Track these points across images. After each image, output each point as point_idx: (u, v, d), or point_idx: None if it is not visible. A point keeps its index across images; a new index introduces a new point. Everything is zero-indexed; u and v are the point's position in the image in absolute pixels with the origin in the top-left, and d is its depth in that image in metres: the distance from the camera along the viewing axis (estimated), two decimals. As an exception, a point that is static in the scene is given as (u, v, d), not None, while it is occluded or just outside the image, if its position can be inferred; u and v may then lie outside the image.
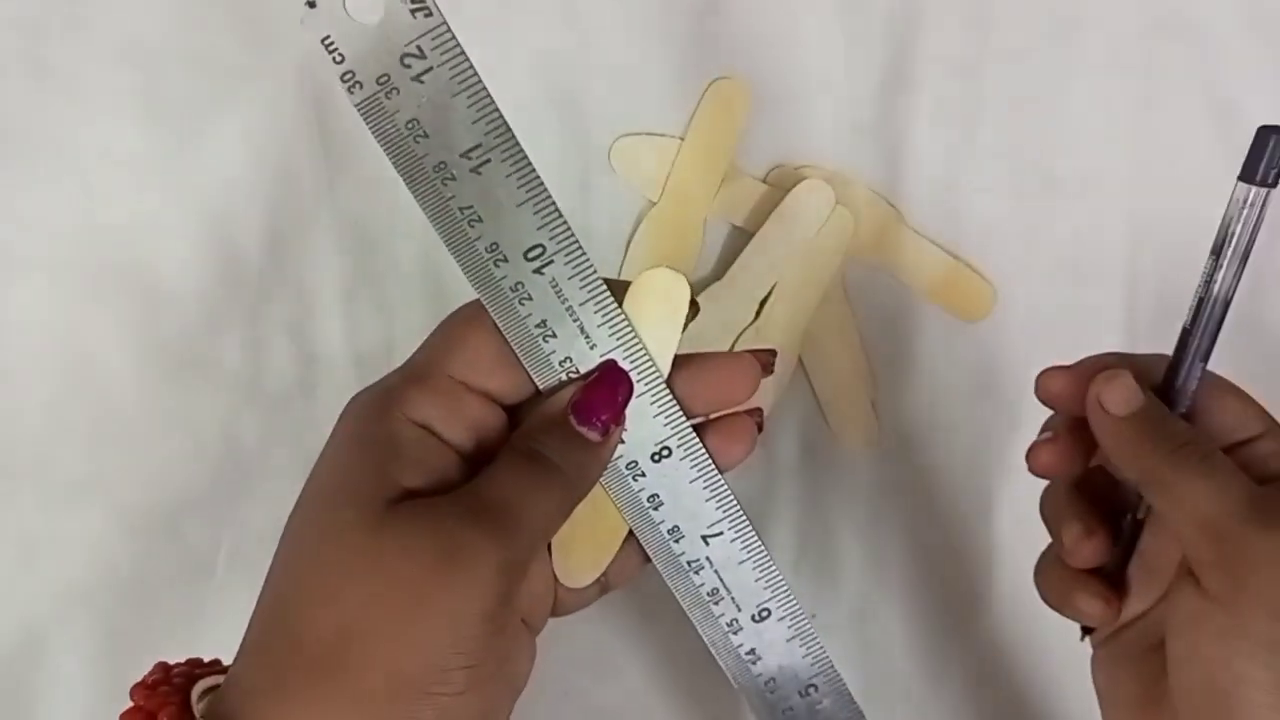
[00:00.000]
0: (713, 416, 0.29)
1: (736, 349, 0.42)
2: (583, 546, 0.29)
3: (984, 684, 0.44)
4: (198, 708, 0.25)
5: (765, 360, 0.29)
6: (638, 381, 0.27)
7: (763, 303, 0.42)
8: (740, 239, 0.43)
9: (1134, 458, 0.29)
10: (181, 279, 0.42)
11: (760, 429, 0.29)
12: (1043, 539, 0.33)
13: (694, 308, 0.28)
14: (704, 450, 0.28)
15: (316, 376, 0.42)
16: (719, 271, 0.43)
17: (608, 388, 0.27)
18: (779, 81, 0.43)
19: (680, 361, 0.28)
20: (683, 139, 0.42)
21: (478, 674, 0.25)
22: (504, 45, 0.42)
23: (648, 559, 0.30)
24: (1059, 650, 0.44)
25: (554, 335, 0.27)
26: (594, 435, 0.27)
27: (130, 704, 0.26)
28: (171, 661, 0.27)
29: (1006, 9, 0.43)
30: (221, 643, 0.27)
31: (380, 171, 0.43)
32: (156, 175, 0.41)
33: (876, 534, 0.44)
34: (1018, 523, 0.44)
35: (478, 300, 0.27)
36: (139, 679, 0.27)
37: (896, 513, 0.44)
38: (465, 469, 0.27)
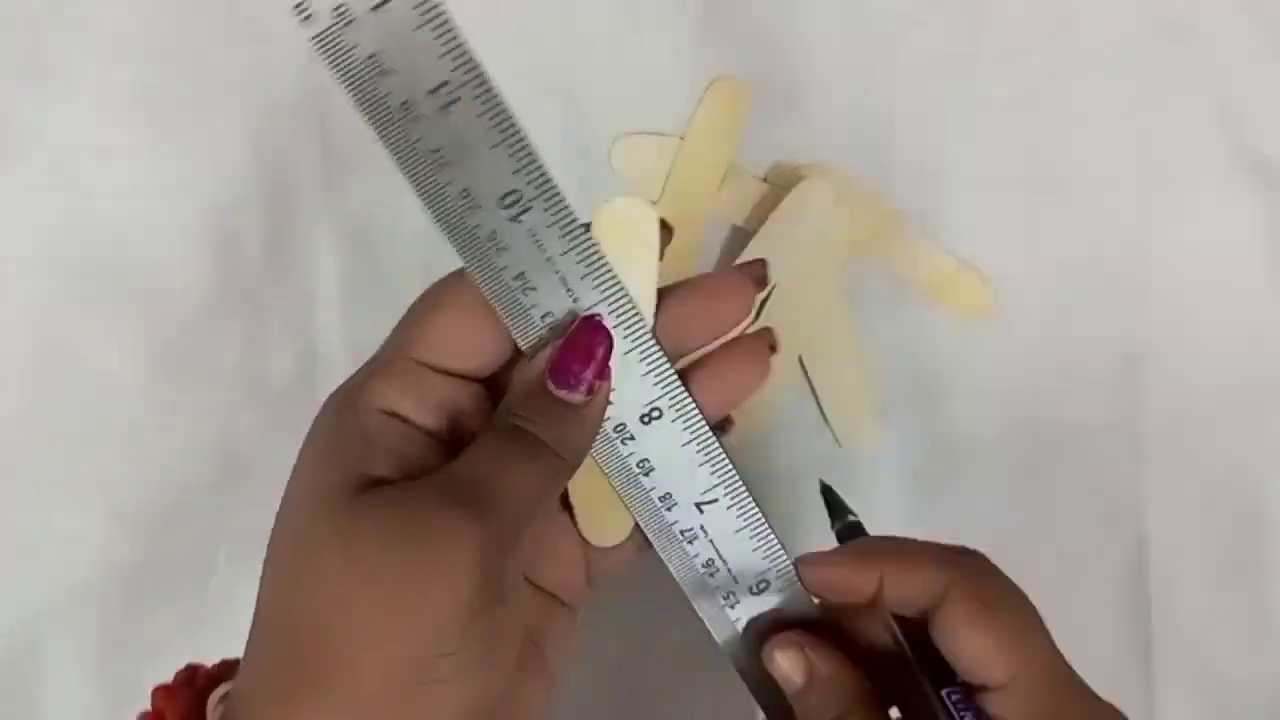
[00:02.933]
0: (719, 343, 0.27)
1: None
2: (605, 503, 0.27)
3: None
4: (215, 712, 0.25)
5: (757, 273, 0.27)
6: (625, 338, 0.25)
7: (763, 302, 0.42)
8: (740, 238, 0.43)
9: None
10: (181, 279, 0.42)
11: (774, 349, 0.28)
12: (1044, 539, 0.33)
13: (667, 232, 0.26)
14: (697, 411, 0.26)
15: (316, 376, 0.42)
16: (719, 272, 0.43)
17: (583, 344, 0.25)
18: (779, 81, 0.43)
19: (664, 294, 0.26)
20: (683, 138, 0.42)
21: (463, 661, 0.23)
22: (504, 45, 0.42)
23: None
24: (1069, 646, 0.44)
25: (534, 288, 0.25)
26: (576, 397, 0.25)
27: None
28: (208, 664, 0.27)
29: (1005, 9, 0.43)
30: (221, 643, 0.27)
31: (380, 171, 0.43)
32: (156, 175, 0.41)
33: (877, 534, 0.44)
34: (1019, 520, 0.44)
35: (437, 282, 0.26)
36: (165, 680, 0.26)
37: (897, 513, 0.44)
38: (443, 452, 0.25)
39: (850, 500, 0.45)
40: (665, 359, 0.26)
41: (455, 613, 0.23)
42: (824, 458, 0.44)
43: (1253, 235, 0.44)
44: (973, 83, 0.43)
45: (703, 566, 0.27)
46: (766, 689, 0.28)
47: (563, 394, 0.25)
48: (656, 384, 0.26)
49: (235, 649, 0.26)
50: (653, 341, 0.25)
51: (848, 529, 0.31)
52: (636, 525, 0.27)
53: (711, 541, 0.27)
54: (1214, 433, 0.44)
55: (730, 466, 0.27)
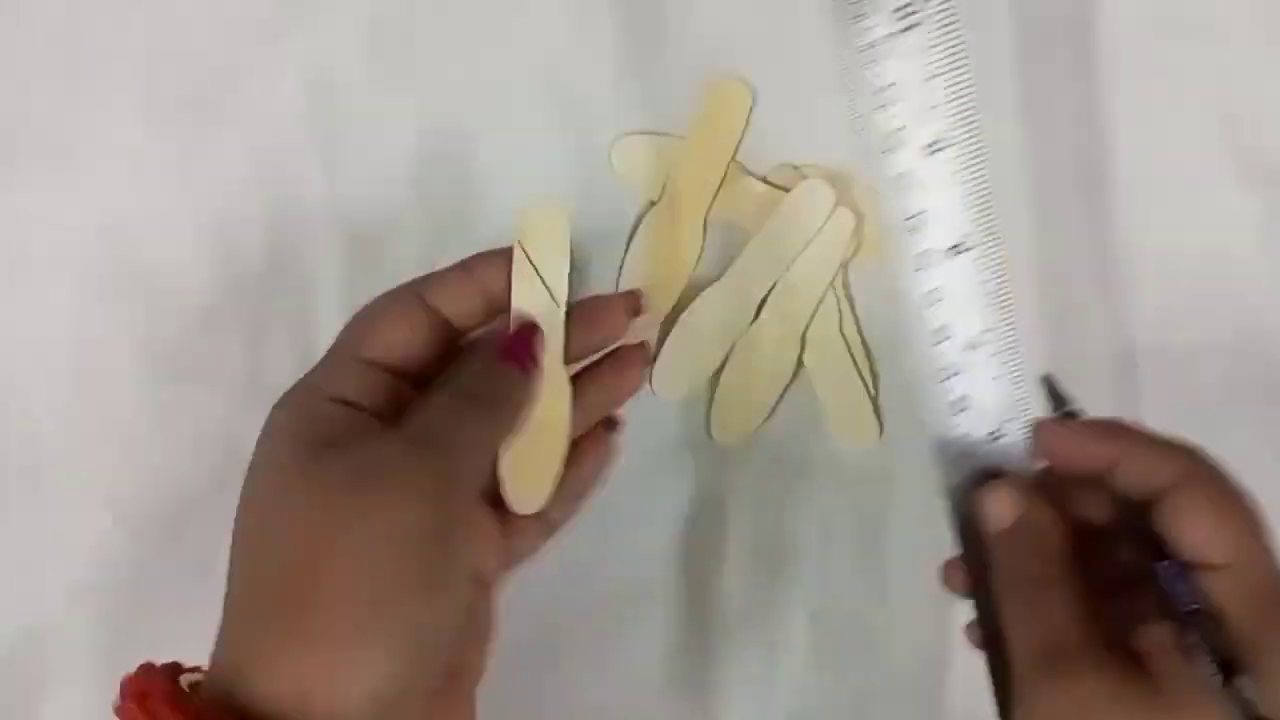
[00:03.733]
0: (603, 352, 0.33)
1: (736, 349, 0.42)
2: (528, 470, 0.31)
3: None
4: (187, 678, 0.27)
5: (632, 303, 0.33)
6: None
7: (762, 303, 0.42)
8: (740, 239, 0.43)
9: (999, 573, 0.29)
10: (182, 279, 0.42)
11: (648, 362, 0.33)
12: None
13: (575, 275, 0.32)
14: (1000, 256, 0.28)
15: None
16: (719, 271, 0.43)
17: (523, 335, 0.31)
18: (779, 81, 0.43)
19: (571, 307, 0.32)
20: (683, 139, 0.42)
21: (423, 580, 0.26)
22: (504, 45, 0.42)
23: (587, 494, 0.33)
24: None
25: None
26: (517, 372, 0.31)
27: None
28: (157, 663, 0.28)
29: (1007, 9, 0.43)
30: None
31: (380, 171, 0.43)
32: (157, 175, 0.41)
33: (877, 534, 0.44)
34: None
35: (378, 297, 0.31)
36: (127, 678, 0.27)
37: (897, 512, 0.44)
38: (390, 399, 0.30)
39: (848, 500, 0.45)
40: (982, 194, 0.29)
41: (417, 533, 0.26)
42: (824, 458, 0.44)
43: (1252, 235, 0.44)
44: (973, 82, 0.43)
45: (954, 401, 0.30)
46: (970, 538, 0.31)
47: (507, 366, 0.30)
48: (970, 217, 0.28)
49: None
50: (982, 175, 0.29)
51: (1069, 418, 0.32)
52: (553, 494, 0.32)
53: (970, 381, 0.29)
54: (1214, 432, 0.44)
55: (1011, 317, 0.29)
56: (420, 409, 0.29)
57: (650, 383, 0.42)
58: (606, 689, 0.43)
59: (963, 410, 0.29)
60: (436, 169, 0.42)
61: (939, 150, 0.27)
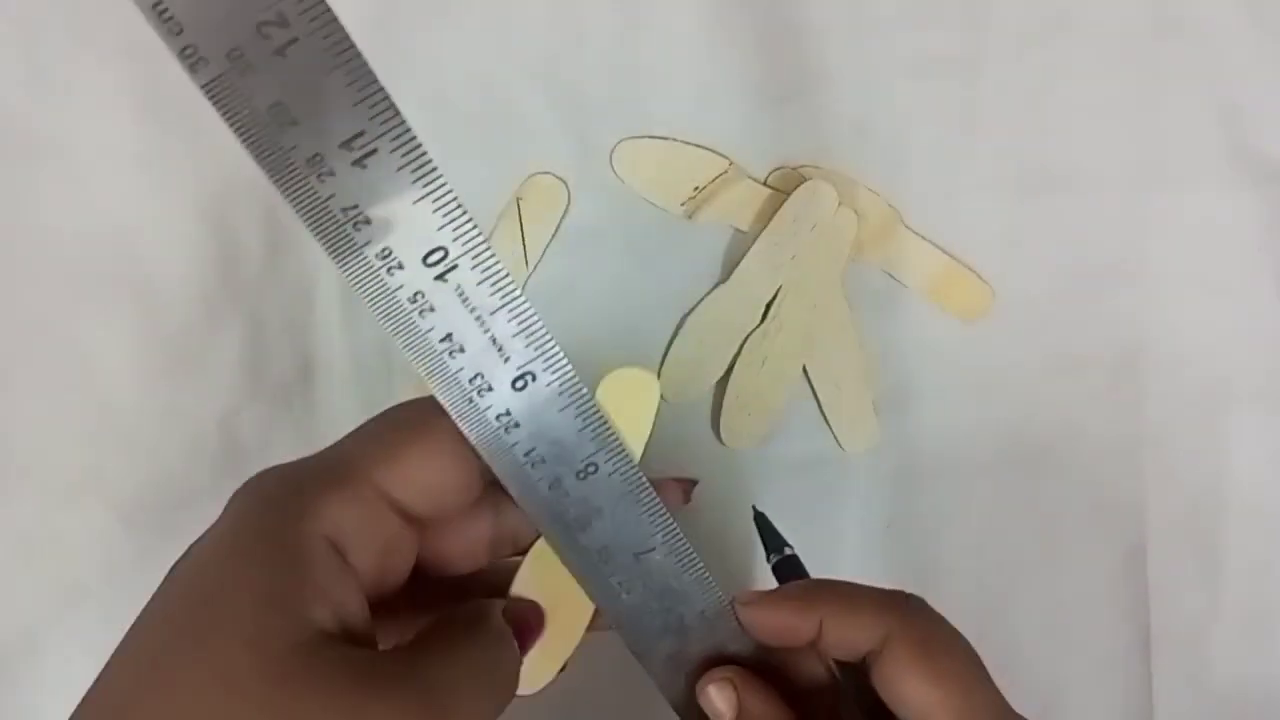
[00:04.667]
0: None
1: (744, 353, 0.42)
2: (538, 651, 0.27)
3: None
4: None
5: (686, 488, 0.28)
6: (557, 379, 0.24)
7: (768, 306, 0.42)
8: (743, 242, 0.43)
9: None
10: (181, 277, 0.42)
11: (687, 499, 0.28)
12: (1042, 539, 0.33)
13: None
14: (630, 462, 0.25)
15: (315, 375, 0.42)
16: (723, 275, 0.43)
17: (530, 624, 0.26)
18: (779, 81, 0.43)
19: None
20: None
21: None
22: (504, 45, 0.42)
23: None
24: (1070, 646, 0.44)
25: (461, 350, 0.23)
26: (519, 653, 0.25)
27: None
28: None
29: (1006, 9, 0.43)
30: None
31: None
32: (156, 174, 0.41)
33: (878, 534, 0.44)
34: (1019, 521, 0.44)
35: (423, 400, 0.24)
36: None
37: (897, 513, 0.44)
38: (365, 616, 0.23)
39: (849, 501, 0.45)
40: (599, 416, 0.25)
41: None
42: (824, 458, 0.44)
43: (1251, 234, 0.44)
44: (973, 83, 0.43)
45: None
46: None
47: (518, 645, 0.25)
48: (593, 440, 0.25)
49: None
50: (585, 390, 0.24)
51: (784, 562, 0.32)
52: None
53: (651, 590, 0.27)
54: (1213, 432, 0.44)
55: (664, 509, 0.26)
56: (433, 649, 0.23)
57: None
58: (607, 688, 0.43)
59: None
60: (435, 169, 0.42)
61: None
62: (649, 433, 0.26)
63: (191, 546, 0.23)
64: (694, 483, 0.29)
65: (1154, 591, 0.44)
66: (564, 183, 0.42)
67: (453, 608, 0.25)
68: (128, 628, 0.42)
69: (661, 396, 0.39)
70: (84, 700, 0.21)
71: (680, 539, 0.26)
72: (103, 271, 0.41)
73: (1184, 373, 0.44)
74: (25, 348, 0.41)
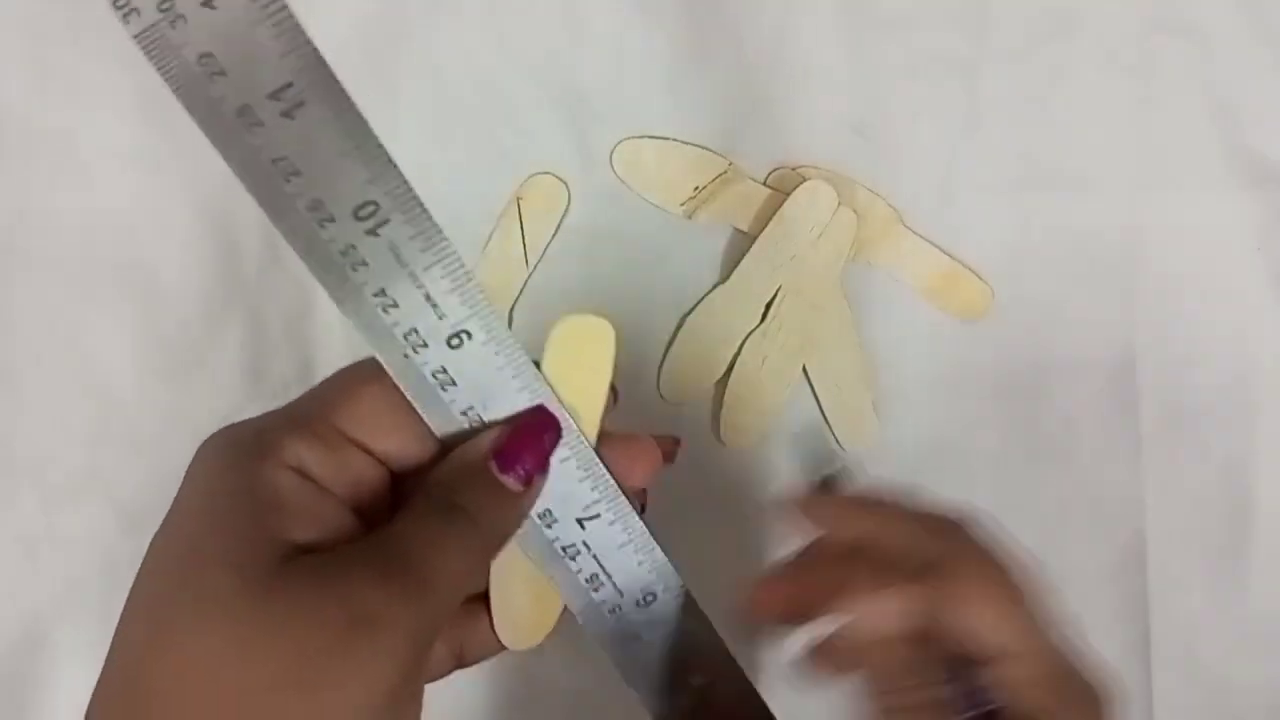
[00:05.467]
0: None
1: (743, 352, 0.42)
2: (527, 605, 0.26)
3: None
4: None
5: (668, 448, 0.27)
6: (507, 364, 0.24)
7: (768, 305, 0.42)
8: (743, 242, 0.43)
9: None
10: (181, 277, 0.42)
11: (670, 459, 0.27)
12: (1042, 538, 0.33)
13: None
14: (577, 432, 0.25)
15: (315, 375, 0.42)
16: (723, 275, 0.43)
17: (533, 433, 0.24)
18: (779, 81, 0.43)
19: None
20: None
21: None
22: (504, 46, 0.42)
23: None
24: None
25: (395, 305, 0.23)
26: (516, 485, 0.24)
27: None
28: None
29: (1006, 9, 0.43)
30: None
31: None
32: (156, 174, 0.41)
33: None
34: (1018, 522, 0.44)
35: (371, 359, 0.24)
36: None
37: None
38: (355, 525, 0.24)
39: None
40: (539, 376, 0.24)
41: (383, 700, 0.21)
42: (824, 458, 0.43)
43: (1250, 234, 0.44)
44: (973, 83, 0.43)
45: (586, 581, 0.26)
46: (660, 698, 0.28)
47: (506, 479, 0.24)
48: (530, 399, 0.24)
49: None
50: (529, 363, 0.24)
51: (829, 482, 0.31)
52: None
53: (595, 556, 0.26)
54: (1211, 431, 0.44)
55: (610, 479, 0.25)
56: (402, 520, 0.23)
57: (658, 386, 0.42)
58: (603, 686, 0.43)
59: (598, 587, 0.26)
60: (436, 169, 0.42)
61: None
62: (607, 383, 0.25)
63: (164, 518, 0.24)
64: (676, 441, 0.28)
65: (1154, 591, 0.44)
66: (564, 183, 0.42)
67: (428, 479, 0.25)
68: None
69: (661, 396, 0.39)
70: (102, 673, 0.22)
71: (624, 505, 0.26)
72: (104, 272, 0.41)
73: (1183, 373, 0.44)
74: (27, 348, 0.41)
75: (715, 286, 0.43)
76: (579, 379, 0.25)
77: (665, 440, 0.27)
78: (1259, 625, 0.44)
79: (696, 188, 0.43)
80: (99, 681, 0.22)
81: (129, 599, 0.22)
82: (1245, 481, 0.44)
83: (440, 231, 0.23)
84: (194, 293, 0.41)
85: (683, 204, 0.43)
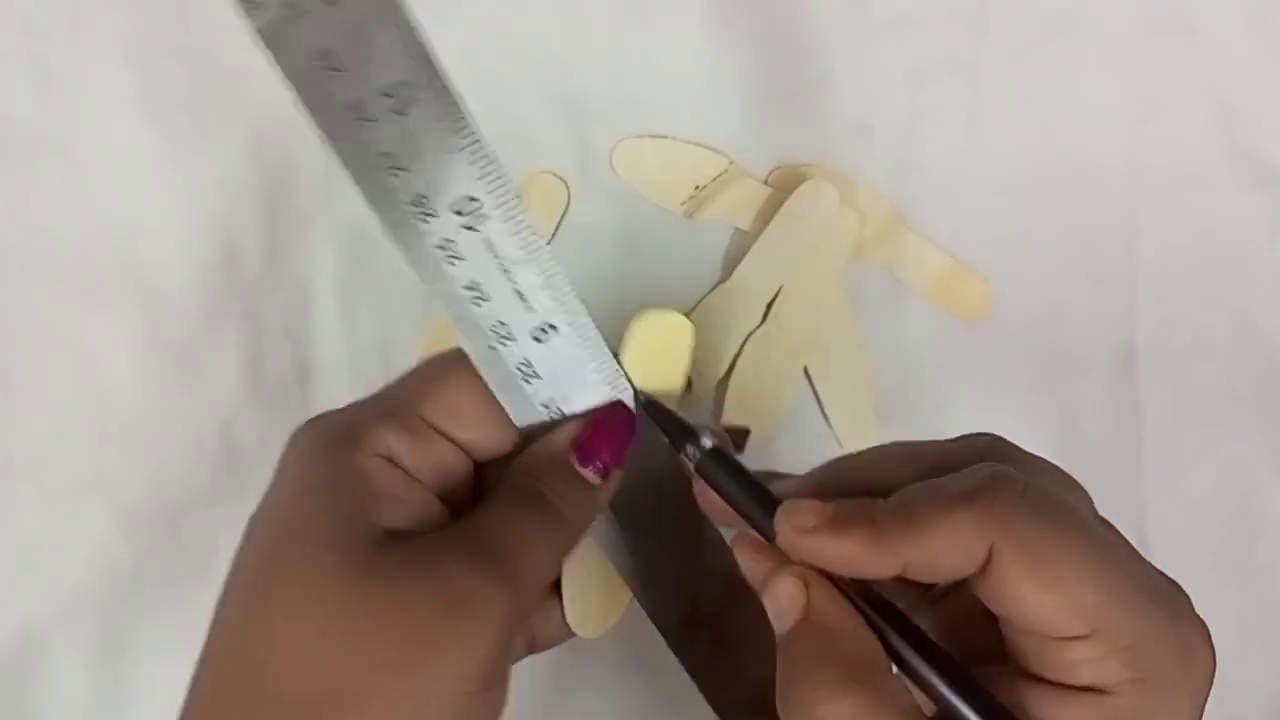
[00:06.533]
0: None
1: (744, 353, 0.42)
2: (598, 593, 0.27)
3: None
4: None
5: (739, 438, 0.28)
6: (590, 358, 0.25)
7: (769, 305, 0.42)
8: (743, 242, 0.43)
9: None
10: (180, 279, 0.41)
11: (740, 449, 0.28)
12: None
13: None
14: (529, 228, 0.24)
15: (315, 376, 0.42)
16: (723, 275, 0.43)
17: (613, 430, 0.26)
18: (779, 80, 0.43)
19: None
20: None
21: None
22: (504, 45, 0.42)
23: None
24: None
25: (487, 299, 0.24)
26: (594, 478, 0.25)
27: None
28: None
29: (1006, 9, 0.43)
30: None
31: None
32: (156, 175, 0.41)
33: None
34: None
35: (457, 349, 0.25)
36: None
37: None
38: (442, 511, 0.25)
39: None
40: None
41: (478, 682, 0.22)
42: (824, 458, 0.43)
43: (1250, 235, 0.44)
44: (973, 83, 0.43)
45: (542, 406, 0.26)
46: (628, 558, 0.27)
47: (585, 472, 0.25)
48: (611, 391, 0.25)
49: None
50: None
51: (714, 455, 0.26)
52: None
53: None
54: (1213, 432, 0.44)
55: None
56: (489, 508, 0.24)
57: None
58: (604, 684, 0.43)
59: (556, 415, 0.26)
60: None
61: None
62: (684, 376, 0.26)
63: (261, 500, 0.25)
64: (746, 431, 0.29)
65: (1154, 591, 0.44)
66: (564, 182, 0.42)
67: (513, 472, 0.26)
68: (127, 628, 0.42)
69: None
70: (206, 650, 0.23)
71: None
72: (104, 273, 0.41)
73: (1184, 373, 0.44)
74: (26, 350, 0.41)
75: (716, 286, 0.42)
76: (658, 371, 0.26)
77: (736, 430, 0.28)
78: (1259, 625, 0.44)
79: (697, 187, 0.43)
80: (202, 659, 0.23)
81: (229, 578, 0.24)
82: (1246, 483, 0.44)
83: (535, 228, 0.23)
84: (193, 293, 0.41)
85: (683, 203, 0.43)
